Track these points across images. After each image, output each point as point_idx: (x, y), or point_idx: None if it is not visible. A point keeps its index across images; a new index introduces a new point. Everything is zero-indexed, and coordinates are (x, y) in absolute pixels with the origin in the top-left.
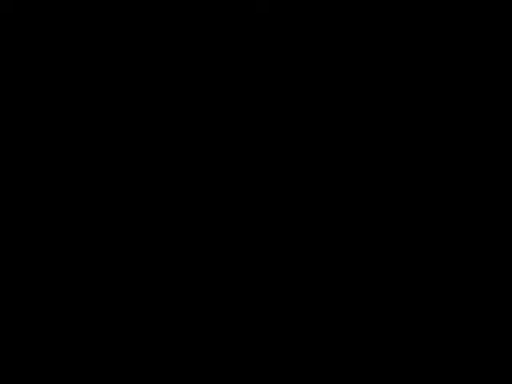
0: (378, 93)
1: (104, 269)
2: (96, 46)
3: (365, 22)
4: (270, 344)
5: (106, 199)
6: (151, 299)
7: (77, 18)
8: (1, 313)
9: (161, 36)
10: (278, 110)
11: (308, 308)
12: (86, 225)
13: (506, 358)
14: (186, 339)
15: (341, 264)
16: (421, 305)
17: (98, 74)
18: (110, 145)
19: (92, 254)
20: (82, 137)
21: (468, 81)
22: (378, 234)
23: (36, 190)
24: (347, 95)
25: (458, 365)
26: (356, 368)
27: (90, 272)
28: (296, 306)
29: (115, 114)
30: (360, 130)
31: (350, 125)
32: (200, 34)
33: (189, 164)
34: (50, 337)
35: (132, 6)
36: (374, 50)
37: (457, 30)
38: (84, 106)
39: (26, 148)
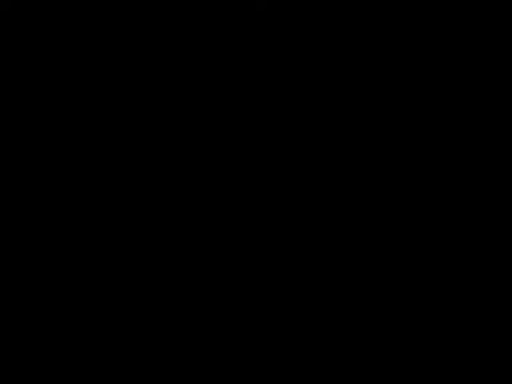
0: (378, 93)
1: (104, 268)
2: (96, 46)
3: (365, 22)
4: (270, 344)
5: (105, 199)
6: (151, 299)
7: (77, 18)
8: (1, 313)
9: (161, 36)
10: (277, 110)
11: (308, 308)
12: (85, 224)
13: (506, 358)
14: (185, 339)
15: (341, 264)
16: (421, 305)
17: (98, 73)
18: (109, 144)
19: (92, 254)
20: (81, 136)
21: (468, 81)
22: (378, 233)
23: (36, 190)
24: (347, 95)
25: (458, 365)
26: (356, 368)
27: (89, 272)
28: (296, 306)
29: (115, 114)
30: (360, 129)
31: (350, 124)
32: (200, 34)
33: (189, 163)
34: (49, 336)
35: (132, 6)
36: (374, 50)
37: (457, 30)
38: (84, 106)
39: (26, 148)
